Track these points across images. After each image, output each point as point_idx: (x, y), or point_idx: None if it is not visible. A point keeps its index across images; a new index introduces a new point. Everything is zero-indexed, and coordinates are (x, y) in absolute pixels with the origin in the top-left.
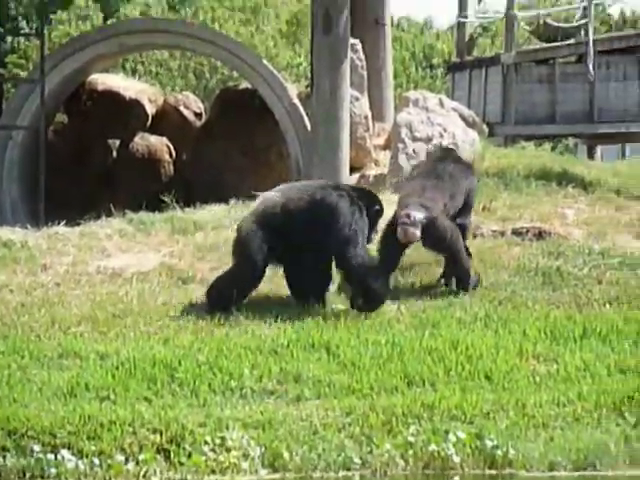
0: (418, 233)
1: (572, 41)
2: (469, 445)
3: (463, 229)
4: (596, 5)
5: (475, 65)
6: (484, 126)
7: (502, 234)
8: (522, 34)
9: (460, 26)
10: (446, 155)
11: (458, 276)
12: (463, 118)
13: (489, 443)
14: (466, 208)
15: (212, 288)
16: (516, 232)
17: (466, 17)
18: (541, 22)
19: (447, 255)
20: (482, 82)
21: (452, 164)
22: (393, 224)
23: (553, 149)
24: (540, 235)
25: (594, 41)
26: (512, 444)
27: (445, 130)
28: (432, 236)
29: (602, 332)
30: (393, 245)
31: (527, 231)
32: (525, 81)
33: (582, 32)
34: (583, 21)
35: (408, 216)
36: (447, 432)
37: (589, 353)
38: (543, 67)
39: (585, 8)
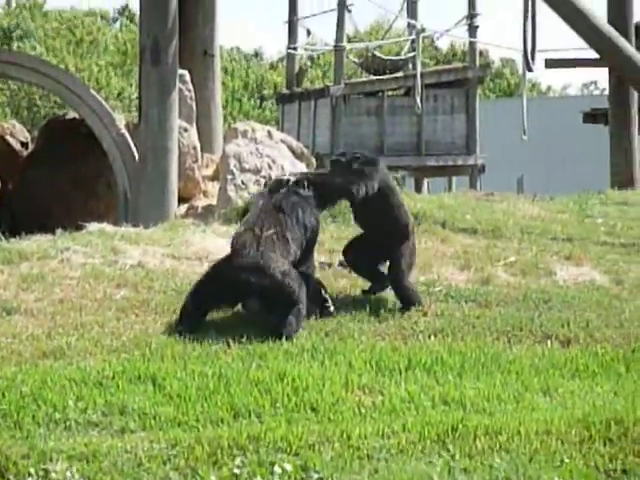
0: None
1: (400, 74)
2: (294, 477)
3: None
4: (424, 38)
5: (304, 97)
6: (312, 158)
7: (329, 266)
8: (351, 66)
9: (289, 57)
10: None
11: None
12: (291, 150)
13: (314, 475)
14: None
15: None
16: (343, 264)
17: (295, 49)
18: (370, 55)
19: None
20: (311, 114)
21: None
22: None
23: None
24: None
25: (422, 74)
26: (337, 476)
27: (274, 162)
28: None
29: (427, 364)
30: None
31: None
32: (354, 113)
33: (410, 65)
34: (411, 54)
35: None
36: (273, 464)
37: (414, 385)
38: (372, 99)
39: (413, 41)
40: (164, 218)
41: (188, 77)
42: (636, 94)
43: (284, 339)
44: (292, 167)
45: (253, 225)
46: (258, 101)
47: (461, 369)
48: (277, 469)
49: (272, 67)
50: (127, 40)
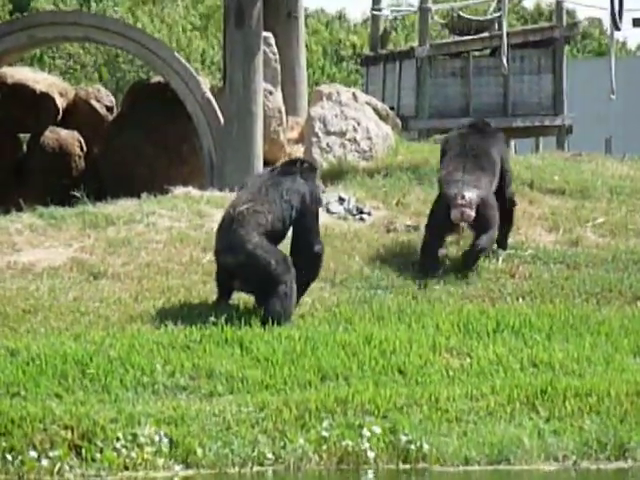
0: (473, 214)
1: (486, 34)
2: (383, 440)
3: (511, 200)
4: None
5: (389, 59)
6: (397, 120)
7: (415, 228)
8: (436, 28)
9: (374, 19)
10: (473, 129)
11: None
12: (376, 112)
13: (403, 438)
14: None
15: None
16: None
17: (380, 10)
18: (455, 15)
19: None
20: (396, 76)
21: (480, 137)
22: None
23: None
24: (452, 229)
25: (508, 34)
26: (426, 438)
27: (359, 124)
28: (482, 215)
29: (515, 326)
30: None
31: None
32: (439, 75)
33: (496, 25)
34: (497, 14)
35: (462, 197)
36: (361, 427)
37: (502, 347)
38: (457, 60)
39: (499, 1)
40: None
41: (272, 39)
42: None
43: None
44: (377, 129)
45: (232, 204)
46: (341, 64)
47: (550, 331)
48: (365, 431)
49: (355, 30)
50: (210, 3)
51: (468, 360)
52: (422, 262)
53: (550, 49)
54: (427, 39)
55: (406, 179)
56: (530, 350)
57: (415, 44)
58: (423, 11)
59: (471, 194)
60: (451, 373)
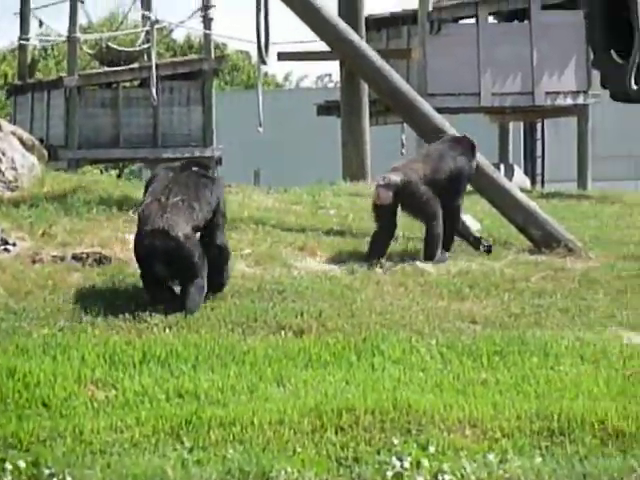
0: (390, 194)
1: (135, 65)
2: (25, 473)
3: (452, 210)
4: (159, 29)
5: (37, 88)
6: (44, 150)
7: (62, 259)
8: (86, 58)
9: (21, 48)
10: (447, 139)
11: (426, 244)
12: (22, 142)
13: (46, 471)
14: (452, 188)
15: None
16: (76, 257)
17: (27, 39)
18: (104, 46)
19: (422, 219)
20: (45, 105)
21: (444, 145)
22: None
23: (119, 174)
24: (100, 260)
25: (157, 65)
26: (69, 471)
27: (4, 154)
28: (407, 197)
29: (161, 356)
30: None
31: (87, 256)
32: (89, 105)
33: (145, 56)
34: (146, 45)
35: (383, 179)
36: (3, 460)
37: (148, 378)
38: (107, 91)
39: (148, 32)
40: None
41: None
42: (367, 86)
43: (188, 314)
44: (23, 159)
45: (160, 195)
46: None
47: (196, 361)
48: (8, 465)
49: (4, 58)
50: None
51: (114, 392)
52: None
53: (199, 81)
54: (76, 69)
55: (52, 210)
56: (176, 380)
57: (64, 74)
58: (71, 41)
59: (393, 177)
60: (96, 405)
